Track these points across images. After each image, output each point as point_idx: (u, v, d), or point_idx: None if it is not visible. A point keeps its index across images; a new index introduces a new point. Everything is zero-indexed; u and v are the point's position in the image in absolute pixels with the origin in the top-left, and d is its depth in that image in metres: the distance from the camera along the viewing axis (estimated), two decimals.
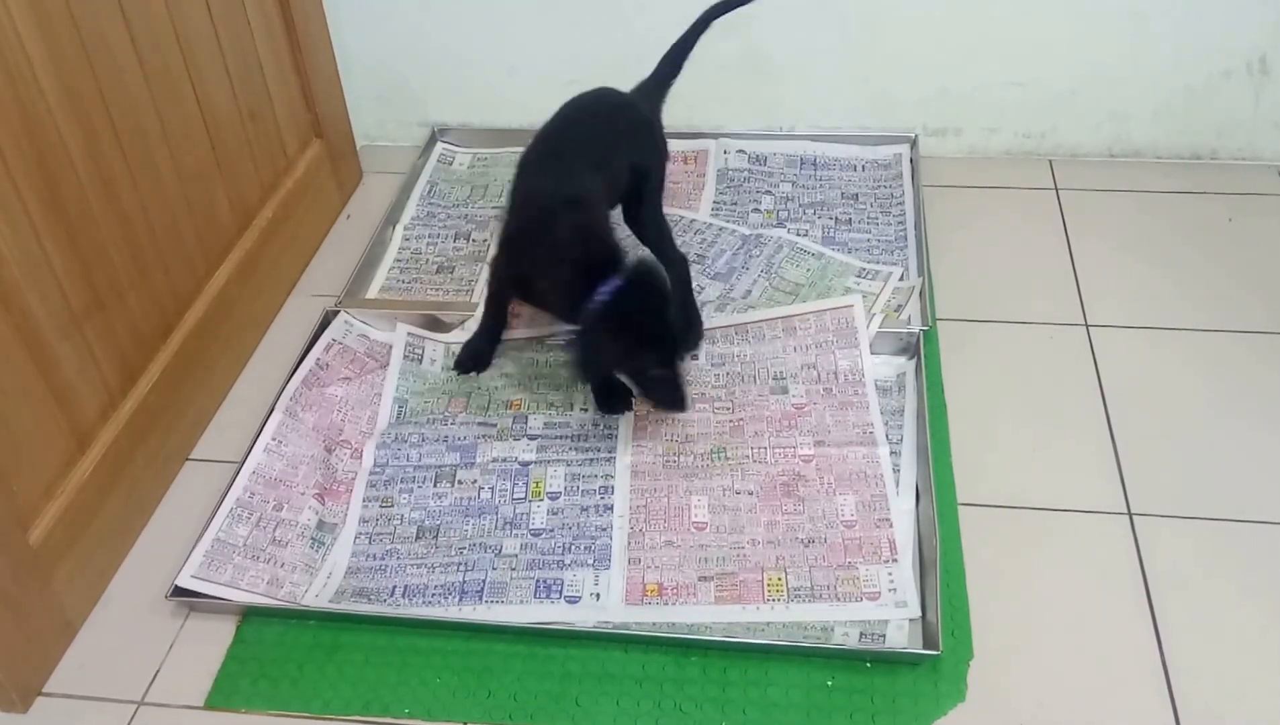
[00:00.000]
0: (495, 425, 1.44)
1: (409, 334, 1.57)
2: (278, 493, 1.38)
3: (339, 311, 1.62)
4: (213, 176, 1.53)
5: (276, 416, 1.44)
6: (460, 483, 1.37)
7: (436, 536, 1.32)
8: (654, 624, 1.22)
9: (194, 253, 1.49)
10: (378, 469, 1.40)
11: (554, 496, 1.34)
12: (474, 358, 1.53)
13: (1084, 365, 1.51)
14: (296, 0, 1.71)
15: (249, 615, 1.26)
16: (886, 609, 1.20)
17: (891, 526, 1.28)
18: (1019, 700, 1.14)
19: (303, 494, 1.38)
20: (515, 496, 1.35)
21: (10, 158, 1.14)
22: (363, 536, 1.33)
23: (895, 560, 1.24)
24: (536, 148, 1.48)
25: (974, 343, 1.56)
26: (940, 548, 1.24)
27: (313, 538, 1.34)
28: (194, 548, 1.30)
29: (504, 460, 1.39)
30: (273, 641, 1.23)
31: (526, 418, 1.44)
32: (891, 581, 1.23)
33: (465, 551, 1.30)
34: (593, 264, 1.32)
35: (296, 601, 1.26)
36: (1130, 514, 1.31)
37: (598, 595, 1.24)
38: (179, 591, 1.26)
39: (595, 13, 1.89)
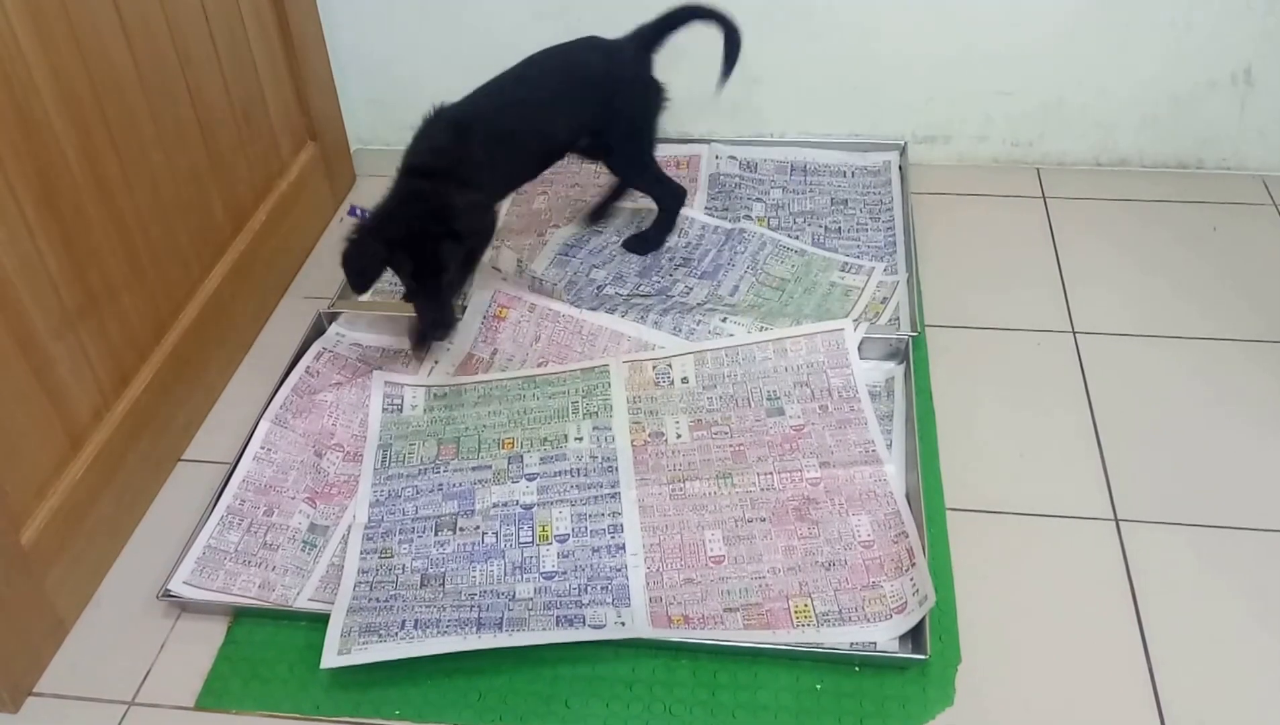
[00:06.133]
0: (490, 467, 1.40)
1: (386, 384, 1.52)
2: (268, 498, 1.38)
3: (332, 314, 1.62)
4: (207, 178, 1.54)
5: (265, 425, 1.44)
6: (462, 530, 1.33)
7: (443, 583, 1.27)
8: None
9: (188, 254, 1.49)
10: (373, 524, 1.34)
11: (562, 539, 1.31)
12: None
13: (1071, 371, 1.53)
14: (291, 3, 1.72)
15: (240, 616, 1.27)
16: (914, 616, 1.19)
17: (908, 538, 1.27)
18: (1006, 704, 1.15)
19: (293, 498, 1.38)
20: (522, 540, 1.31)
21: (5, 158, 1.14)
22: (363, 584, 1.27)
23: (914, 564, 1.24)
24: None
25: (962, 349, 1.57)
26: (928, 552, 1.25)
27: (304, 541, 1.34)
28: (185, 554, 1.30)
29: (505, 505, 1.35)
30: (263, 642, 1.24)
31: (522, 457, 1.41)
32: (914, 585, 1.21)
33: (476, 597, 1.24)
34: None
35: (288, 604, 1.27)
36: (1117, 520, 1.32)
37: (623, 624, 1.21)
38: (171, 594, 1.27)
39: (589, 17, 1.89)
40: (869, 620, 1.21)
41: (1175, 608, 1.22)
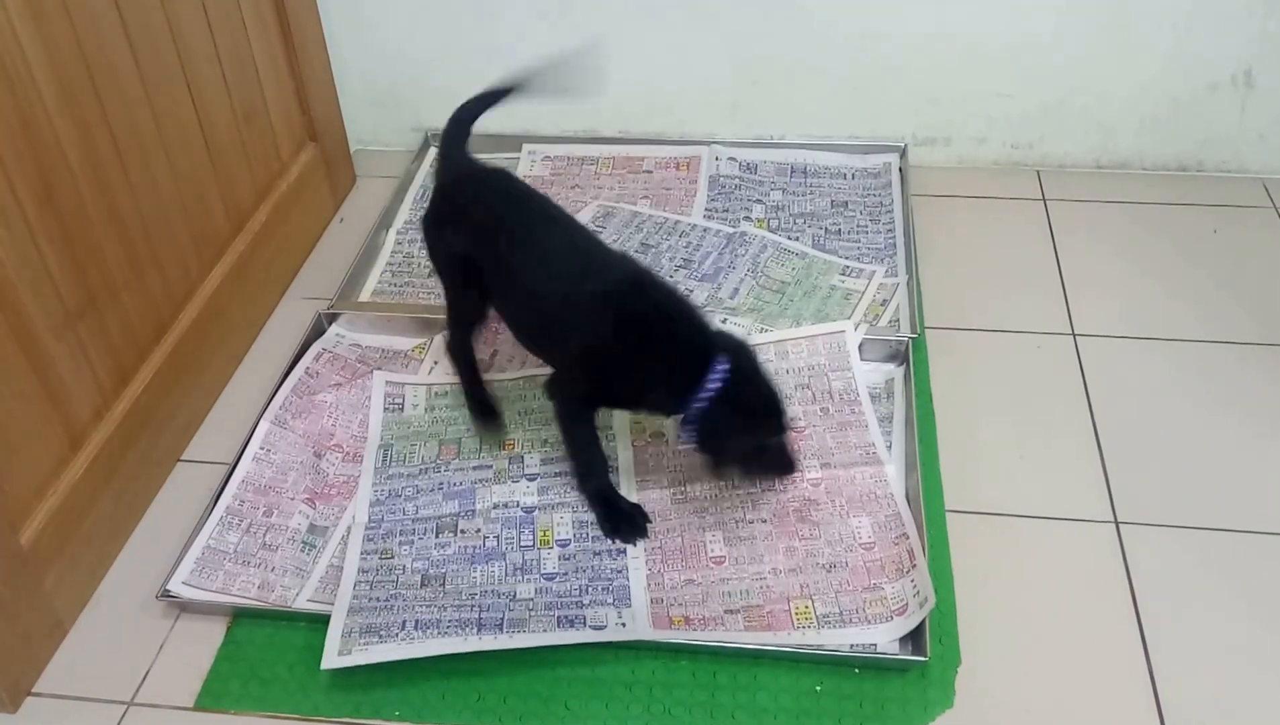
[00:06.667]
0: (491, 467, 1.39)
1: (387, 383, 1.51)
2: (268, 499, 1.38)
3: (331, 315, 1.62)
4: (207, 178, 1.54)
5: (264, 426, 1.44)
6: (463, 532, 1.32)
7: (444, 584, 1.26)
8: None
9: (188, 254, 1.49)
10: (373, 524, 1.34)
11: (563, 544, 1.30)
12: (627, 523, 1.33)
13: (1071, 374, 1.52)
14: (292, 5, 1.72)
15: (239, 617, 1.26)
16: (914, 618, 1.19)
17: (909, 539, 1.27)
18: (1006, 707, 1.15)
19: (292, 499, 1.38)
20: (523, 543, 1.31)
21: (7, 158, 1.14)
22: (363, 584, 1.26)
23: (915, 566, 1.23)
24: (528, 247, 1.30)
25: (962, 351, 1.57)
26: (928, 554, 1.25)
27: (304, 542, 1.34)
28: (184, 554, 1.30)
29: (506, 506, 1.35)
30: (263, 643, 1.24)
31: (523, 458, 1.40)
32: (915, 587, 1.21)
33: (477, 597, 1.24)
34: (695, 350, 1.21)
35: (287, 604, 1.26)
36: (1117, 522, 1.32)
37: (624, 625, 1.21)
38: (170, 594, 1.27)
39: (589, 19, 1.90)
40: (870, 622, 1.21)
41: (1175, 610, 1.22)
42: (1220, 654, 1.18)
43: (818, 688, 1.17)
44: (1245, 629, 1.20)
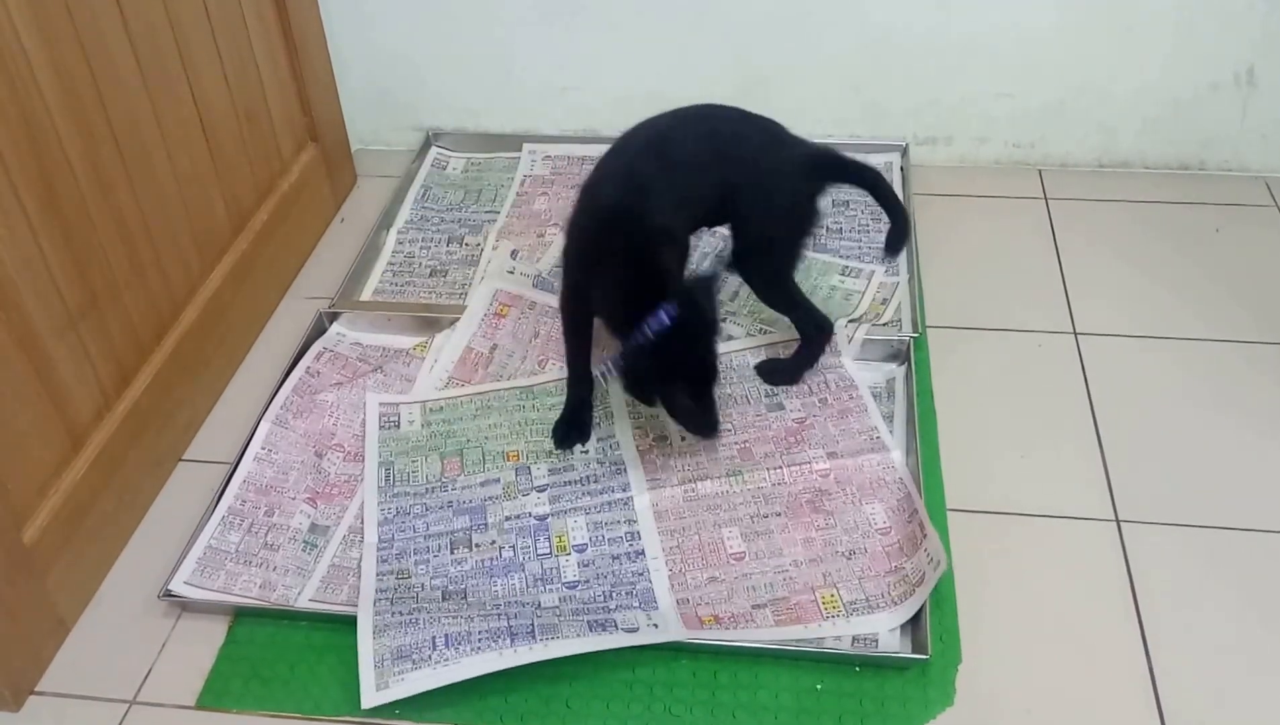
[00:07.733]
0: (499, 481, 1.38)
1: (381, 404, 1.49)
2: (269, 499, 1.38)
3: (332, 314, 1.62)
4: (209, 178, 1.54)
5: (265, 426, 1.44)
6: (478, 546, 1.31)
7: (465, 598, 1.25)
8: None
9: (189, 254, 1.50)
10: (385, 544, 1.31)
11: (580, 549, 1.30)
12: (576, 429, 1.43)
13: (1072, 373, 1.52)
14: (293, 5, 1.72)
15: (241, 616, 1.26)
16: (929, 584, 1.19)
17: (919, 514, 1.28)
18: (1007, 705, 1.15)
19: (294, 499, 1.38)
20: (540, 552, 1.30)
21: (8, 158, 1.14)
22: (383, 602, 1.23)
23: (926, 535, 1.24)
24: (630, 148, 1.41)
25: (963, 350, 1.57)
26: None
27: (305, 541, 1.34)
28: (186, 554, 1.30)
29: (518, 517, 1.34)
30: (264, 642, 1.24)
31: (530, 469, 1.39)
32: (929, 555, 1.22)
33: (502, 607, 1.22)
34: (644, 289, 1.26)
35: (289, 604, 1.26)
36: (1118, 521, 1.32)
37: (655, 626, 1.20)
38: (172, 593, 1.27)
39: (590, 18, 1.90)
40: (896, 603, 1.21)
41: (1175, 608, 1.22)
42: (1220, 653, 1.18)
43: (818, 686, 1.17)
44: (1245, 628, 1.20)
